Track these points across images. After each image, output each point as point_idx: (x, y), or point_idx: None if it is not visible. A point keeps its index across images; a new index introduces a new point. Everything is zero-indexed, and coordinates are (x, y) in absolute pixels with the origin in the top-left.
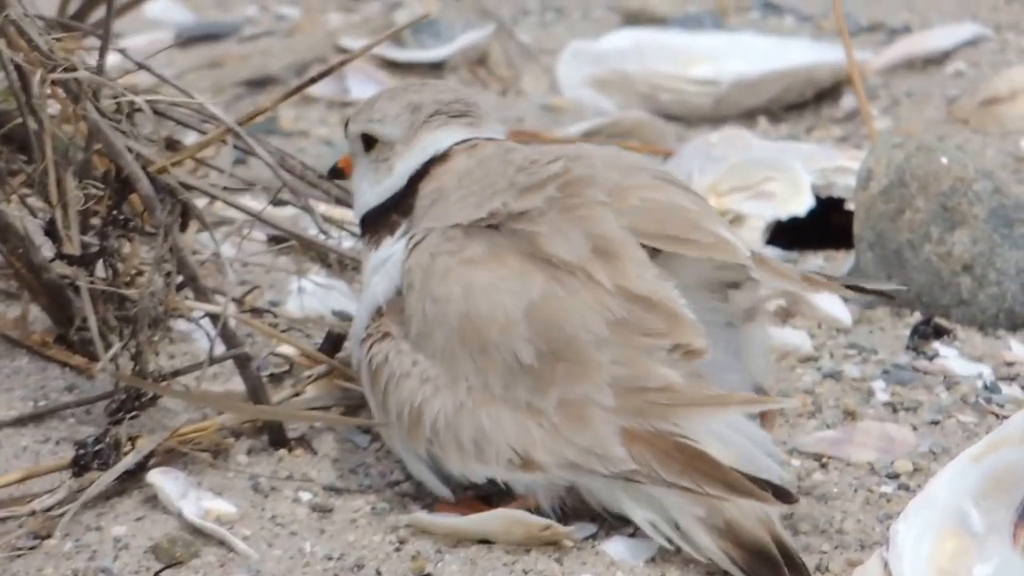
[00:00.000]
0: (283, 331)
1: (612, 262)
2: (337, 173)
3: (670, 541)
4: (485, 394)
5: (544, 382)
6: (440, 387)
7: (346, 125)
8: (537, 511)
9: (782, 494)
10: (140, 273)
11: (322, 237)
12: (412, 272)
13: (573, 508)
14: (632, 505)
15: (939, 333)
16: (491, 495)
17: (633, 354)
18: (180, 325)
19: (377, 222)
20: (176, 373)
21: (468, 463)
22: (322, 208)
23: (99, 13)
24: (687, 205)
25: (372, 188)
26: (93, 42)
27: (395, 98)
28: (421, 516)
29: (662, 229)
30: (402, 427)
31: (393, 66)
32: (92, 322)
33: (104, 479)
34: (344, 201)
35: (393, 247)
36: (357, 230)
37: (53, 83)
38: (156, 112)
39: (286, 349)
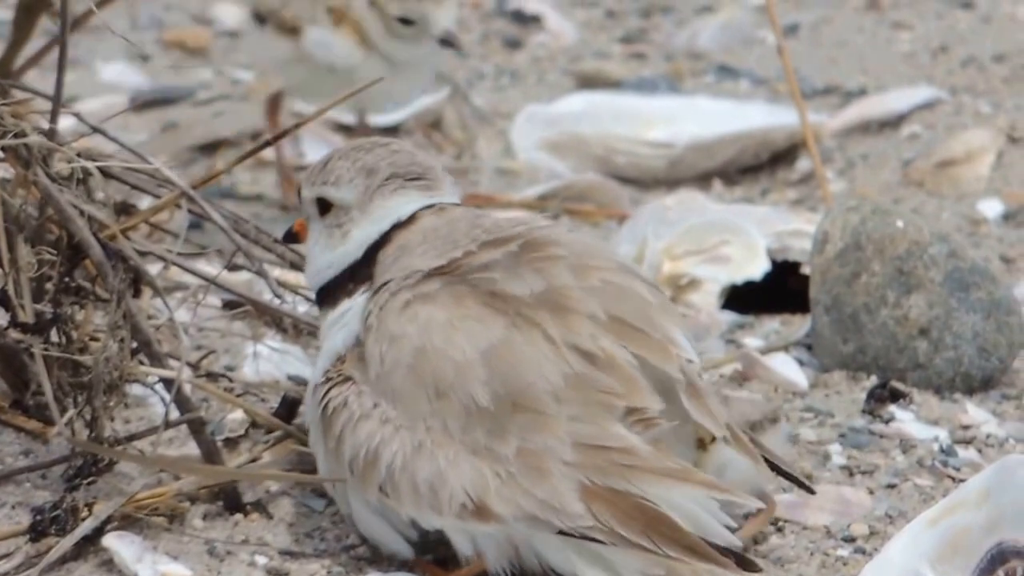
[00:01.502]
0: (238, 396)
1: (565, 317)
2: (292, 237)
3: None
4: (444, 436)
5: (503, 428)
6: (399, 428)
7: (298, 190)
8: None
9: (746, 563)
10: (95, 339)
11: (277, 302)
12: (371, 314)
13: (522, 571)
14: (585, 567)
15: (895, 397)
16: (445, 559)
17: (591, 411)
18: (135, 390)
19: (335, 290)
20: (132, 438)
21: (422, 508)
22: (277, 272)
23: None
24: (646, 296)
25: (325, 253)
26: (44, 104)
27: (347, 158)
28: None
29: (617, 314)
30: (355, 472)
31: (348, 130)
32: (47, 388)
33: (63, 544)
34: (298, 266)
35: (352, 302)
36: (311, 295)
37: (3, 149)
38: (110, 176)
39: (241, 413)
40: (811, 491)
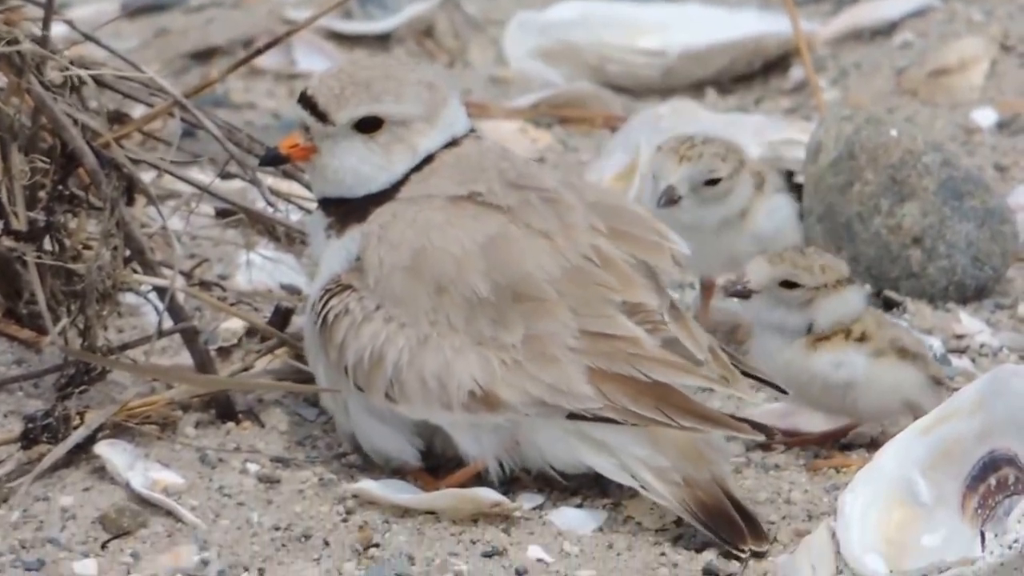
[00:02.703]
0: (231, 304)
1: (571, 232)
2: (278, 159)
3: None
4: (448, 329)
5: (506, 317)
6: (403, 326)
7: (322, 117)
8: (484, 478)
9: (759, 427)
10: (88, 247)
11: (270, 210)
12: (370, 234)
13: (521, 471)
14: (590, 455)
15: (889, 306)
16: (436, 467)
17: (592, 303)
18: (128, 299)
19: (361, 207)
20: (124, 347)
21: (430, 403)
22: (270, 181)
23: None
24: (639, 210)
25: (380, 171)
26: (36, 11)
27: (389, 77)
28: (368, 486)
29: (612, 222)
30: (360, 377)
31: (340, 38)
32: (40, 296)
33: (56, 452)
34: (291, 174)
35: (360, 228)
36: (305, 203)
37: None
38: (103, 85)
39: (234, 322)
40: (784, 392)
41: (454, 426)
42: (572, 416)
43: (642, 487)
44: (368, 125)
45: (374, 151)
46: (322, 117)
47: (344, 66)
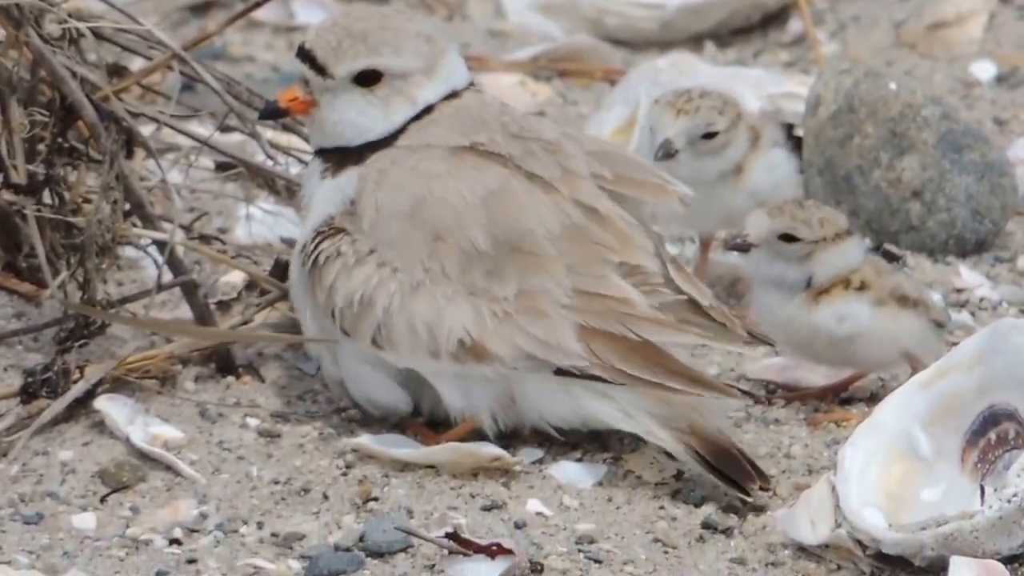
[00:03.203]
0: (231, 258)
1: (573, 180)
2: (277, 113)
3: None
4: (442, 278)
5: (501, 270)
6: (396, 271)
7: (321, 71)
8: (479, 434)
9: (748, 394)
10: (87, 200)
11: (270, 163)
12: (367, 178)
13: (515, 426)
14: (592, 401)
15: (889, 259)
16: (435, 423)
17: (589, 262)
18: (128, 252)
19: (357, 153)
20: (124, 300)
21: (418, 352)
22: (269, 135)
23: None
24: (637, 158)
25: (378, 122)
26: None
27: (385, 28)
28: (368, 441)
29: (614, 168)
30: (348, 322)
31: None
32: (40, 249)
33: (55, 407)
34: (291, 127)
35: (357, 169)
36: (304, 156)
37: None
38: (101, 38)
39: (234, 276)
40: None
41: (440, 376)
42: (560, 372)
43: (646, 433)
44: (367, 79)
45: (373, 104)
46: (321, 71)
47: (339, 18)
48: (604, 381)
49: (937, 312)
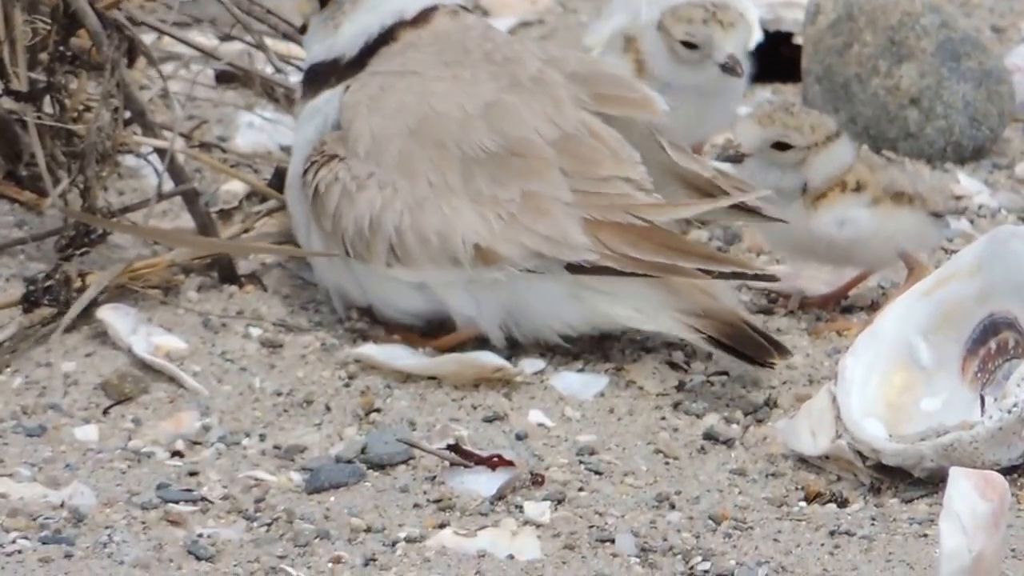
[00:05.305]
0: (232, 166)
1: (560, 109)
2: (303, 29)
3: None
4: (446, 189)
5: (503, 175)
6: (400, 189)
7: None
8: (484, 342)
9: (765, 276)
10: (88, 109)
11: (270, 71)
12: (357, 104)
13: (522, 336)
14: (601, 302)
15: None
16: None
17: (585, 167)
18: (128, 161)
19: (318, 80)
20: (125, 209)
21: (437, 260)
22: (270, 43)
23: None
24: (619, 72)
25: (314, 45)
26: None
27: None
28: (370, 351)
29: (596, 88)
30: (360, 243)
31: None
32: (40, 158)
33: (67, 317)
34: (291, 36)
35: (333, 92)
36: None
37: None
38: None
39: (235, 184)
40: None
41: (451, 287)
42: (571, 268)
43: (659, 326)
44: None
45: (318, 26)
46: None
47: None
48: (616, 272)
49: (934, 203)
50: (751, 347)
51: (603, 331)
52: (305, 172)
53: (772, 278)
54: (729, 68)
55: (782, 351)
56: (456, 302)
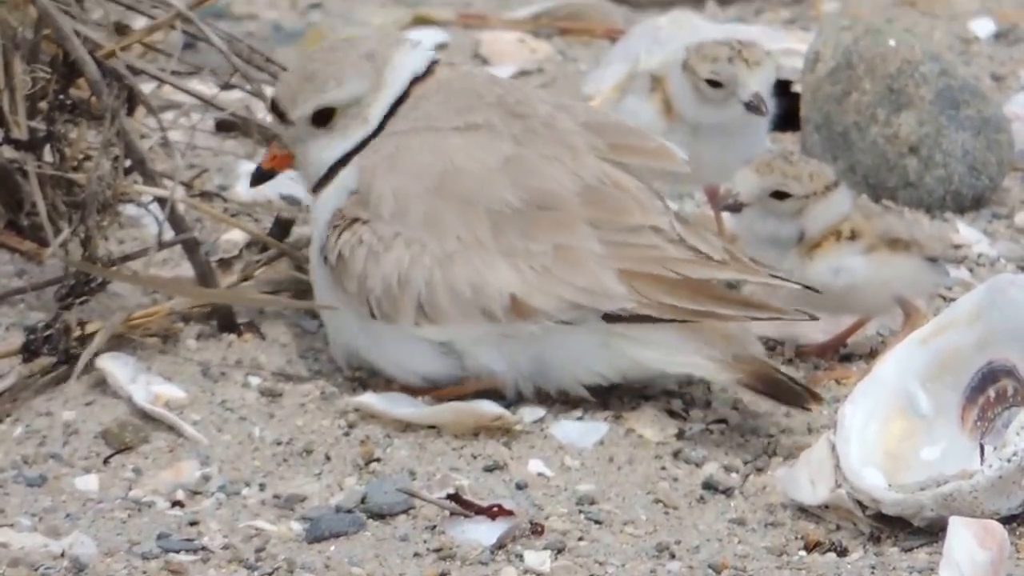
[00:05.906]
0: (232, 216)
1: (577, 156)
2: (263, 177)
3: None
4: (476, 244)
5: (533, 229)
6: (428, 245)
7: (283, 118)
8: (496, 394)
9: (804, 312)
10: (88, 158)
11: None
12: (374, 167)
13: (541, 389)
14: (633, 348)
15: None
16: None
17: (614, 215)
18: (129, 210)
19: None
20: (125, 258)
21: (469, 314)
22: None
23: None
24: (630, 124)
25: (337, 147)
26: None
27: (329, 63)
28: (369, 399)
29: (610, 138)
30: (387, 302)
31: None
32: (41, 207)
33: (76, 372)
34: None
35: (348, 169)
36: None
37: None
38: None
39: (235, 233)
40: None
41: (479, 343)
42: (608, 318)
43: (695, 369)
44: (322, 117)
45: (333, 137)
46: (283, 118)
47: (302, 60)
48: (654, 320)
49: (930, 247)
50: (786, 394)
51: (631, 380)
52: (327, 238)
53: (813, 317)
54: (754, 107)
55: (814, 396)
56: (484, 358)
